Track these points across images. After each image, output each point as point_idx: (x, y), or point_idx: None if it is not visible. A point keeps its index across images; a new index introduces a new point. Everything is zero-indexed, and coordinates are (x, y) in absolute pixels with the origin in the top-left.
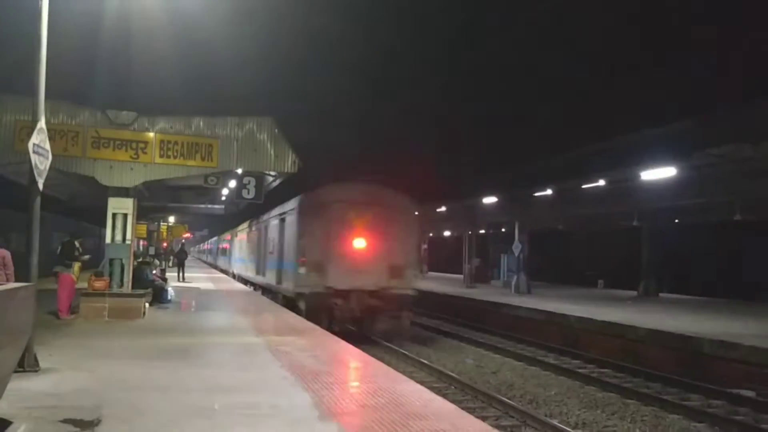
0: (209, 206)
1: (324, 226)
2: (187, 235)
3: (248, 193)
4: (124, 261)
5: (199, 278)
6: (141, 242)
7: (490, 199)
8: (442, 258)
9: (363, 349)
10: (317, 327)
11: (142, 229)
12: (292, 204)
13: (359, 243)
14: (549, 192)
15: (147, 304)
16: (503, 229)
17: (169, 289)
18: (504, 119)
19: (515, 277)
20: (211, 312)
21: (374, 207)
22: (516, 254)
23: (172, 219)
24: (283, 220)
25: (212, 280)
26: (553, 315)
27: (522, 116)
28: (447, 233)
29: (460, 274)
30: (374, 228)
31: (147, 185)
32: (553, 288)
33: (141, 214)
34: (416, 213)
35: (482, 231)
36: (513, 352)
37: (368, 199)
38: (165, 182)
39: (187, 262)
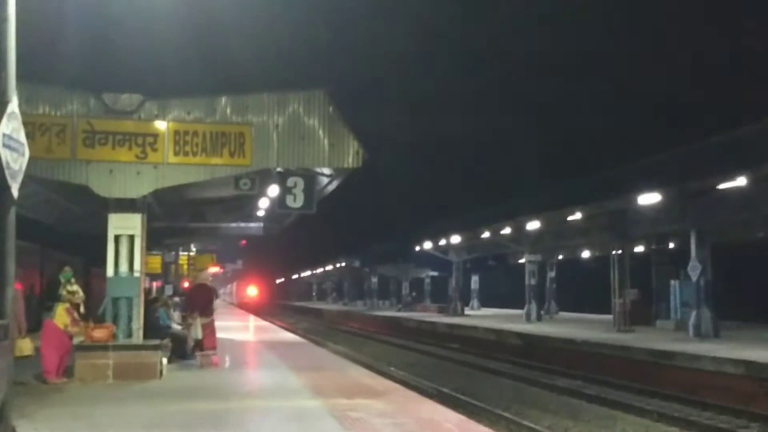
0: (242, 224)
1: None
2: (215, 269)
3: (294, 201)
4: (132, 300)
5: (232, 327)
6: (154, 284)
7: (649, 197)
8: (578, 290)
9: (464, 414)
10: (399, 386)
11: (155, 262)
12: None
13: None
14: (742, 181)
15: (165, 360)
16: (671, 245)
17: (194, 339)
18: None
19: (693, 314)
20: (251, 369)
21: None
22: (694, 279)
23: (194, 247)
24: None
25: (248, 329)
26: (761, 367)
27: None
28: (583, 253)
29: (607, 313)
30: None
31: (159, 196)
32: (752, 328)
33: (152, 240)
34: None
35: (639, 248)
36: (696, 422)
37: None
38: (183, 194)
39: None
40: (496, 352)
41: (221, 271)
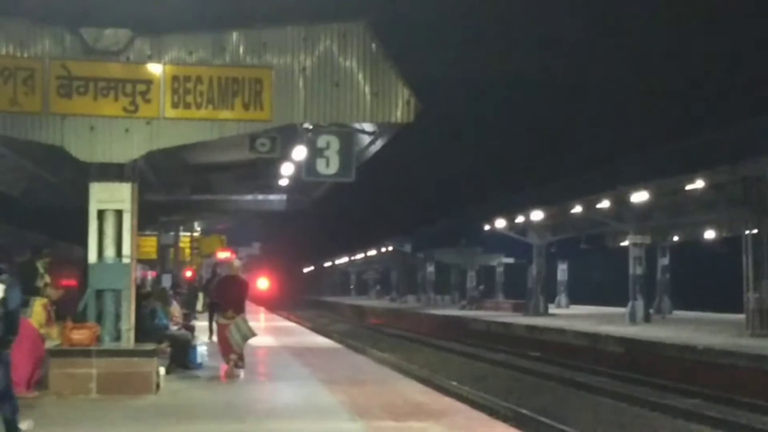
0: (260, 197)
1: None
2: (227, 254)
3: (327, 166)
4: (121, 293)
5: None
6: (148, 273)
7: None
8: (699, 282)
9: None
10: (462, 405)
11: (150, 244)
12: None
13: None
14: None
15: (162, 370)
16: None
17: (200, 345)
18: None
19: None
20: (272, 382)
21: None
22: None
23: (198, 227)
24: None
25: (272, 331)
26: None
27: None
28: (706, 234)
29: (738, 312)
30: None
31: (154, 161)
32: None
33: (146, 217)
34: None
35: None
36: None
37: None
38: (184, 158)
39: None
40: (590, 362)
41: (232, 256)
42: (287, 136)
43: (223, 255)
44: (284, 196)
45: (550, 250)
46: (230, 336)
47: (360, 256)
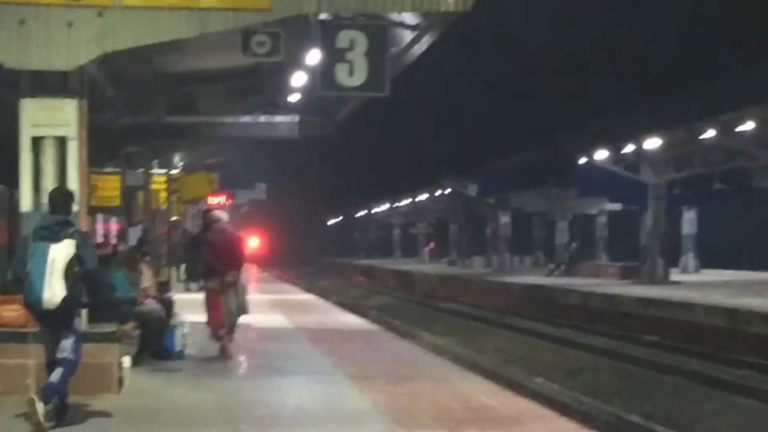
0: (262, 119)
1: None
2: (220, 199)
3: (351, 74)
4: None
5: (252, 302)
6: (110, 226)
7: None
8: None
9: None
10: (545, 409)
11: (111, 186)
12: None
13: None
14: None
15: (127, 360)
16: None
17: (180, 326)
18: None
19: None
20: (280, 376)
21: None
22: None
23: (179, 161)
24: None
25: (282, 306)
26: None
27: None
28: None
29: None
30: None
31: (112, 67)
32: None
33: (104, 148)
34: None
35: None
36: None
37: None
38: (154, 63)
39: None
40: (729, 349)
41: (227, 202)
42: (295, 31)
43: (214, 200)
44: (296, 118)
45: (672, 192)
46: (224, 303)
47: (406, 202)
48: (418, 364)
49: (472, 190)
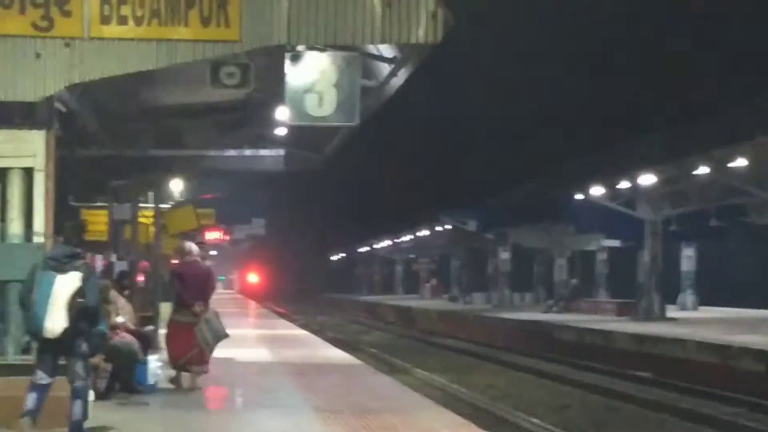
0: (248, 153)
1: None
2: (216, 234)
3: (320, 105)
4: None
5: (239, 337)
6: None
7: None
8: None
9: None
10: None
11: (98, 219)
12: None
13: None
14: None
15: (91, 395)
16: None
17: (153, 360)
18: None
19: None
20: (251, 411)
21: None
22: None
23: (178, 196)
24: None
25: (272, 341)
26: None
27: None
28: None
29: None
30: None
31: (92, 99)
32: None
33: (91, 183)
34: None
35: None
36: None
37: None
38: (138, 94)
39: (216, 303)
40: (721, 386)
41: (222, 239)
42: (266, 62)
43: (212, 235)
44: (281, 152)
45: (669, 229)
46: (199, 334)
47: (408, 237)
48: (390, 398)
49: (472, 225)
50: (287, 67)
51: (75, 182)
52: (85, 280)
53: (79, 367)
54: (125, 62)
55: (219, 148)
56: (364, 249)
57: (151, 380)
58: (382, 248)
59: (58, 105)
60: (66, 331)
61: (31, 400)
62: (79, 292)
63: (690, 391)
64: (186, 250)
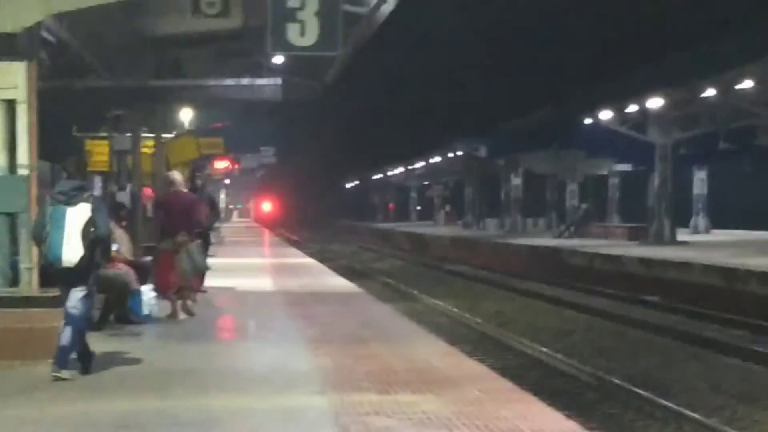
0: (245, 82)
1: None
2: (223, 164)
3: (302, 34)
4: (17, 218)
5: (243, 267)
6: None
7: None
8: None
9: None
10: (485, 371)
11: (100, 150)
12: None
13: None
14: None
15: None
16: None
17: (147, 291)
18: None
19: None
20: (242, 341)
21: None
22: None
23: (187, 125)
24: None
25: (276, 269)
26: None
27: None
28: None
29: None
30: None
31: (84, 31)
32: None
33: (92, 113)
34: None
35: None
36: None
37: None
38: (135, 24)
39: (229, 231)
40: (727, 310)
41: (231, 167)
42: None
43: (220, 164)
44: (278, 80)
45: (678, 152)
46: (179, 264)
47: (421, 164)
48: (384, 327)
49: (483, 152)
50: None
51: (77, 113)
52: (94, 210)
53: (81, 295)
54: None
55: (218, 78)
56: (377, 176)
57: (145, 310)
58: (396, 175)
59: (46, 35)
60: (83, 259)
61: (64, 336)
62: (91, 222)
63: (696, 314)
64: (169, 180)
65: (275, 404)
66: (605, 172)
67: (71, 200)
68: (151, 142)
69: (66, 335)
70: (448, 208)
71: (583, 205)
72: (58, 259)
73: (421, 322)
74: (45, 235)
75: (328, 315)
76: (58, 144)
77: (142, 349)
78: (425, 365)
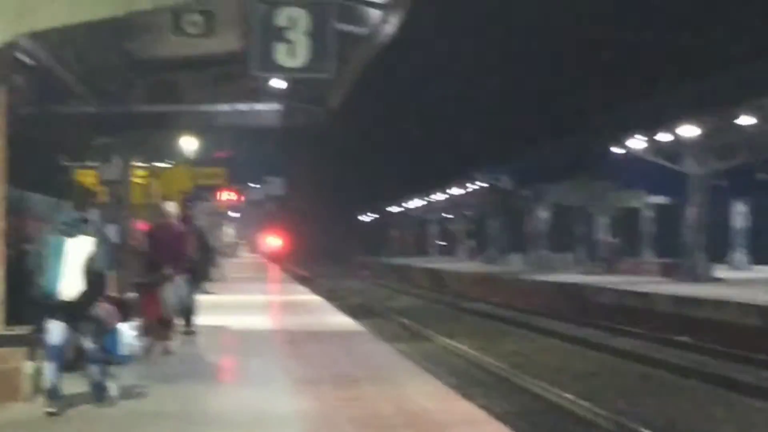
0: (242, 107)
1: None
2: (228, 195)
3: (293, 55)
4: None
5: (242, 304)
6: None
7: None
8: None
9: None
10: (481, 415)
11: (90, 181)
12: None
13: None
14: None
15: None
16: None
17: (127, 328)
18: None
19: None
20: (225, 383)
21: None
22: None
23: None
24: None
25: (277, 307)
26: None
27: None
28: None
29: None
30: None
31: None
32: None
33: (76, 141)
34: None
35: None
36: None
37: None
38: (123, 46)
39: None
40: (763, 349)
41: (234, 199)
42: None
43: (224, 196)
44: (276, 106)
45: (716, 184)
46: (163, 298)
47: (440, 197)
48: (380, 367)
49: (506, 182)
50: (252, 14)
51: (64, 141)
52: (97, 244)
53: (91, 330)
54: (77, 10)
55: (213, 103)
56: (395, 209)
57: (124, 350)
58: (415, 208)
59: (22, 57)
60: (84, 294)
61: (51, 370)
62: (91, 256)
63: (729, 356)
64: (162, 212)
65: None
66: (638, 205)
67: (73, 231)
68: (142, 172)
69: (95, 371)
70: (470, 242)
71: (614, 240)
72: (55, 291)
73: (434, 363)
74: (43, 267)
75: (322, 355)
76: (47, 174)
77: (112, 391)
78: (416, 408)
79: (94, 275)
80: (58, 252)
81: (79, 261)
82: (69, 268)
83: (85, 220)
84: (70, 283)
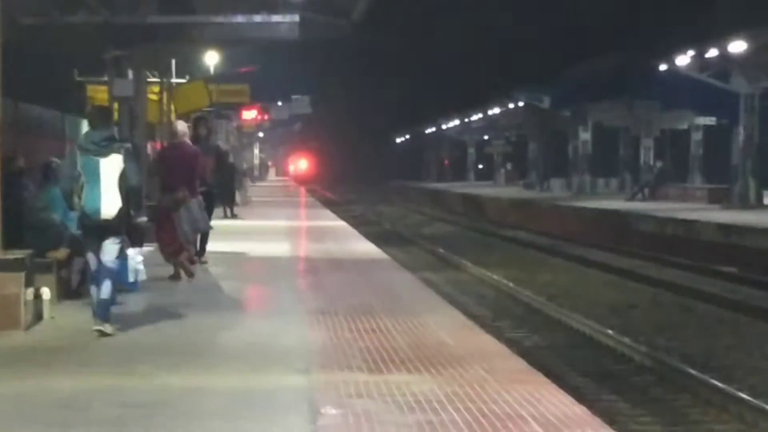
0: (258, 19)
1: None
2: (251, 114)
3: None
4: None
5: (264, 230)
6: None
7: None
8: None
9: None
10: (498, 348)
11: (98, 96)
12: None
13: None
14: None
15: (47, 292)
16: None
17: (133, 256)
18: None
19: None
20: (237, 311)
21: None
22: None
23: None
24: None
25: (300, 233)
26: None
27: None
28: None
29: None
30: None
31: None
32: None
33: (93, 55)
34: None
35: None
36: None
37: None
38: None
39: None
40: None
41: (259, 118)
42: None
43: (247, 114)
44: (295, 17)
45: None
46: (177, 222)
47: (478, 116)
48: (400, 297)
49: (546, 102)
50: None
51: (75, 54)
52: (125, 161)
53: (117, 247)
54: None
55: (228, 14)
56: (431, 130)
57: (131, 277)
58: (452, 128)
59: None
60: (121, 211)
61: (105, 290)
62: (123, 173)
63: None
64: (173, 131)
65: (246, 384)
66: (685, 126)
67: (103, 151)
68: (156, 88)
69: (105, 289)
70: (509, 166)
71: (659, 164)
72: (97, 211)
73: (463, 294)
74: (79, 188)
75: (341, 284)
76: (60, 89)
77: (116, 320)
78: (433, 340)
79: (129, 191)
80: (93, 173)
81: (113, 179)
82: (107, 188)
83: (114, 138)
84: (109, 202)
